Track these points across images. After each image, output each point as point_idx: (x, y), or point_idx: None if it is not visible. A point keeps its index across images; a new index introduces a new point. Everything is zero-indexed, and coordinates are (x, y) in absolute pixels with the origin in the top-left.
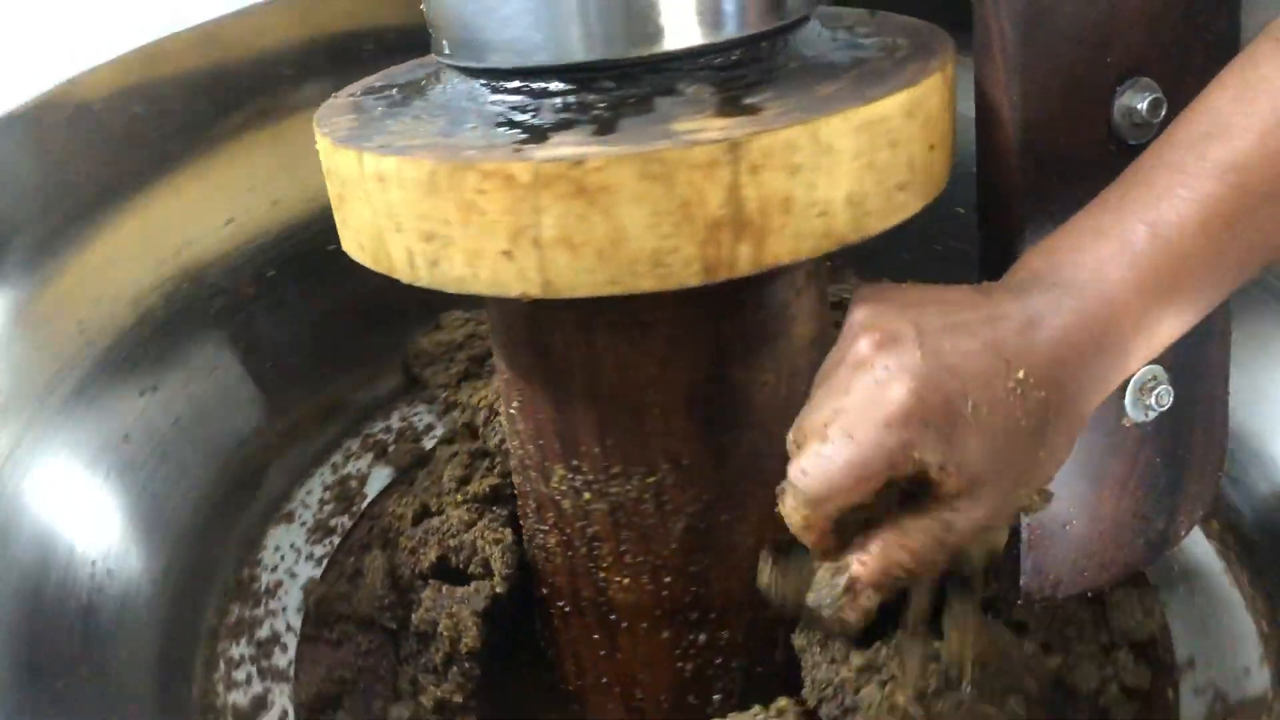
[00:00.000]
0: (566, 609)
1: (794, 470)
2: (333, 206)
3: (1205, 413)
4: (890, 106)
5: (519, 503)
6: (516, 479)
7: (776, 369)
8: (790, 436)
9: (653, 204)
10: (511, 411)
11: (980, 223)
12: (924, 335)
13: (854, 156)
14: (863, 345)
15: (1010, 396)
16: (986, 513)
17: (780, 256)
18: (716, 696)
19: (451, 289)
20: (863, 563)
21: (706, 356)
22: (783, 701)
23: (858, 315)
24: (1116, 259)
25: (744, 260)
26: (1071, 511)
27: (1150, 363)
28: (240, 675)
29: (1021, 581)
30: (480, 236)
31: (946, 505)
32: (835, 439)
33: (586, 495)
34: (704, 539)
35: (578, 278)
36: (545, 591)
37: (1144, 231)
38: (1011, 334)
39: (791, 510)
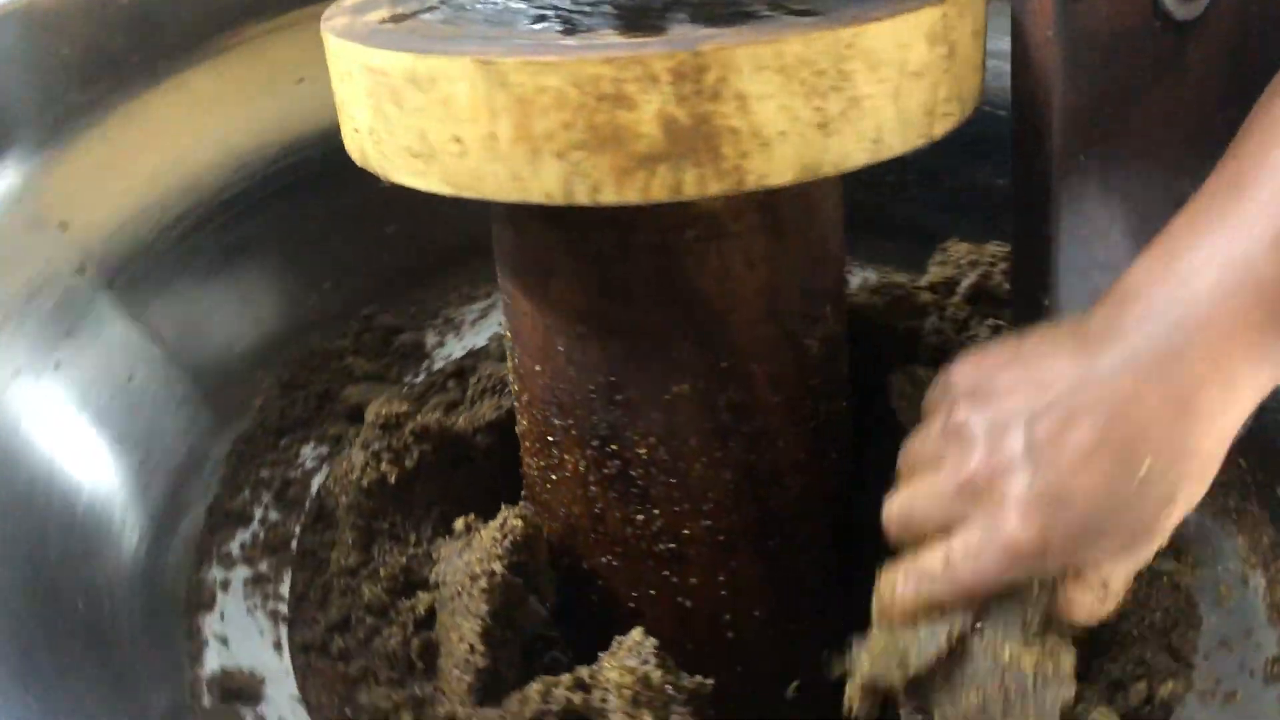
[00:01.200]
0: None
1: (927, 562)
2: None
3: None
4: None
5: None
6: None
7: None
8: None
9: None
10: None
11: (1013, 109)
12: (1034, 450)
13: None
14: (976, 456)
15: (1132, 497)
16: (1128, 566)
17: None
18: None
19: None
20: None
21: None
22: None
23: (959, 383)
24: (1229, 283)
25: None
26: None
27: None
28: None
29: None
30: None
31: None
32: (958, 557)
33: None
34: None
35: (707, 188)
36: None
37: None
38: (1128, 410)
39: (910, 594)
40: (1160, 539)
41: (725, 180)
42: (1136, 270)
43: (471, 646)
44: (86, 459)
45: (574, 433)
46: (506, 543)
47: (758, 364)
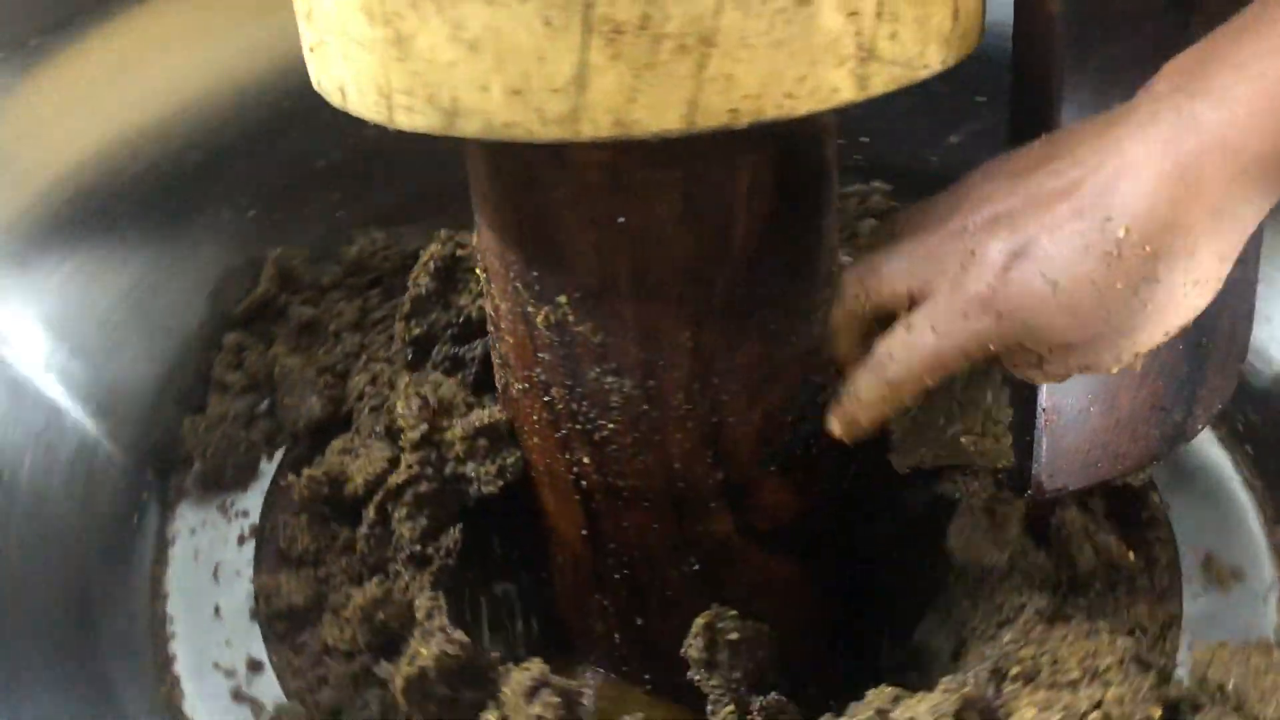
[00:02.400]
0: None
1: (880, 348)
2: None
3: (1233, 300)
4: None
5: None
6: None
7: None
8: (861, 278)
9: None
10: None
11: (1013, 83)
12: (1017, 218)
13: None
14: (963, 217)
15: (1103, 264)
16: (1085, 363)
17: None
18: None
19: None
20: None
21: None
22: None
23: (973, 178)
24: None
25: None
26: (1089, 401)
27: None
28: None
29: (1034, 472)
30: None
31: (1042, 355)
32: (919, 328)
33: None
34: None
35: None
36: None
37: None
38: (1121, 180)
39: (868, 389)
40: (1125, 342)
41: None
42: (1164, 75)
43: None
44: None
45: None
46: None
47: None
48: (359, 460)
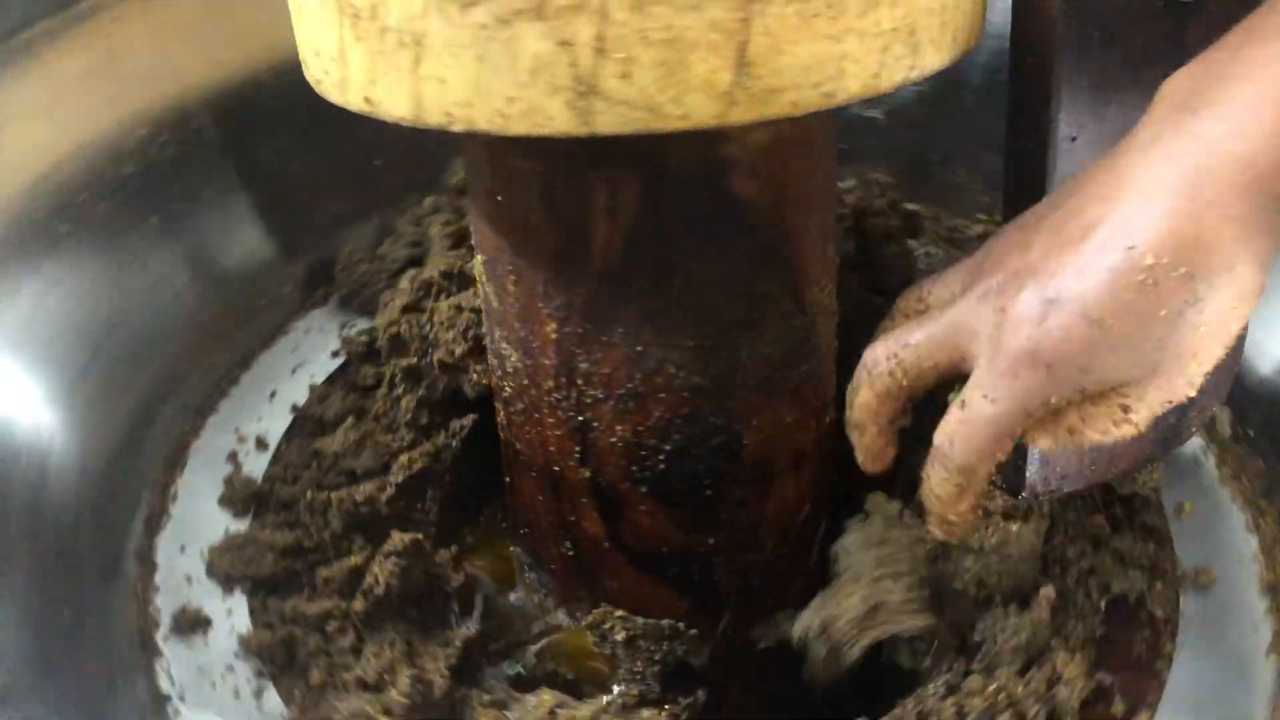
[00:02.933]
0: None
1: (939, 438)
2: None
3: None
4: None
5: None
6: None
7: None
8: (893, 354)
9: None
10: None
11: (1011, 86)
12: (1040, 268)
13: None
14: (986, 279)
15: (1139, 295)
16: (1155, 401)
17: None
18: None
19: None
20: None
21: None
22: None
23: (988, 244)
24: None
25: None
26: None
27: None
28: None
29: (1027, 475)
30: None
31: (1113, 394)
32: (972, 401)
33: None
34: None
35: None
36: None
37: None
38: (1135, 207)
39: (941, 483)
40: (1192, 365)
41: None
42: (1162, 97)
43: None
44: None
45: None
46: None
47: None
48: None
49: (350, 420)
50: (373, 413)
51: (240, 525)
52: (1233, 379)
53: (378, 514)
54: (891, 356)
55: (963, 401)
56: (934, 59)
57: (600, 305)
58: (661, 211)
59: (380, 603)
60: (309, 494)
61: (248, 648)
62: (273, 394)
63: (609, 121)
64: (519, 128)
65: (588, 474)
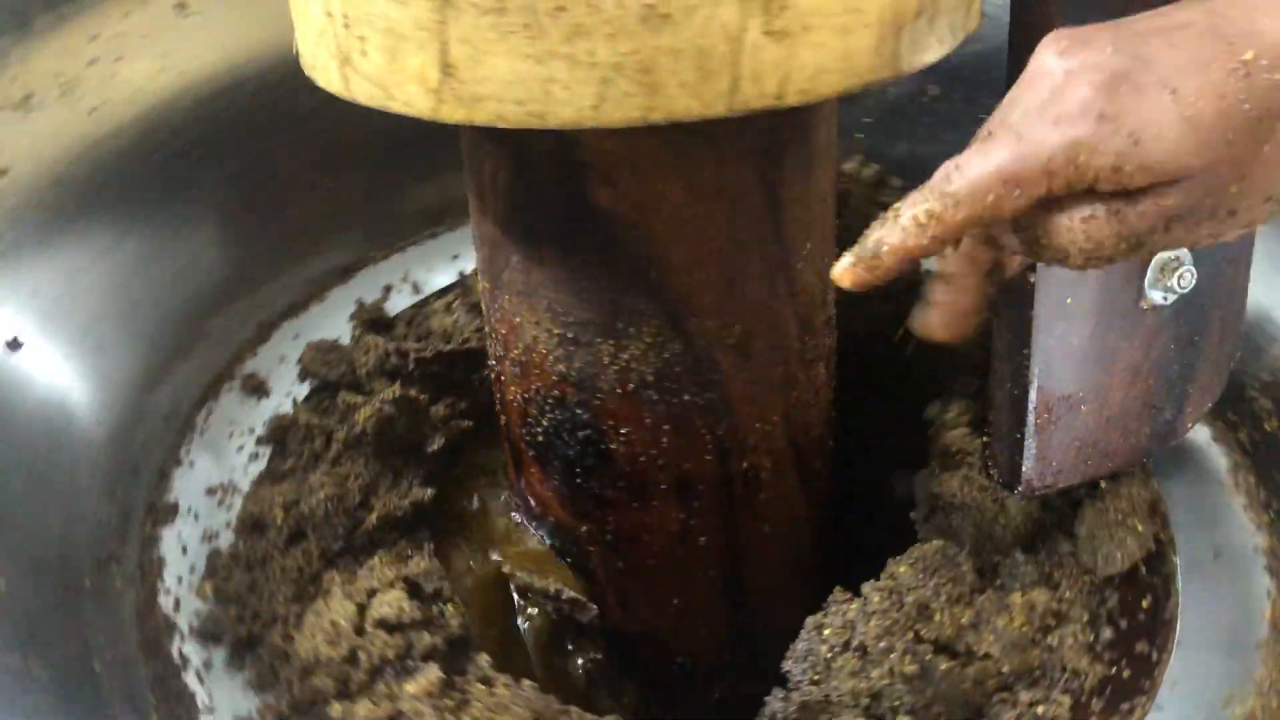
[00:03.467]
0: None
1: (945, 166)
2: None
3: (1225, 299)
4: None
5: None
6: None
7: None
8: (933, 191)
9: None
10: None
11: (1008, 78)
12: (1121, 32)
13: None
14: (1048, 56)
15: (1230, 78)
16: (1183, 210)
17: None
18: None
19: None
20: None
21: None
22: None
23: (1050, 35)
24: None
25: None
26: (1081, 397)
27: None
28: None
29: (1024, 469)
30: None
31: (1136, 201)
32: (999, 136)
33: None
34: None
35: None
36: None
37: None
38: (1242, 13)
39: (912, 205)
40: (1234, 186)
41: None
42: None
43: None
44: None
45: None
46: None
47: None
48: None
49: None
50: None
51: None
52: (1227, 379)
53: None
54: (932, 199)
55: (986, 133)
56: (687, 104)
57: (493, 270)
58: (528, 199)
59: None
60: None
61: None
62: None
63: (361, 92)
64: (321, 81)
65: (503, 420)
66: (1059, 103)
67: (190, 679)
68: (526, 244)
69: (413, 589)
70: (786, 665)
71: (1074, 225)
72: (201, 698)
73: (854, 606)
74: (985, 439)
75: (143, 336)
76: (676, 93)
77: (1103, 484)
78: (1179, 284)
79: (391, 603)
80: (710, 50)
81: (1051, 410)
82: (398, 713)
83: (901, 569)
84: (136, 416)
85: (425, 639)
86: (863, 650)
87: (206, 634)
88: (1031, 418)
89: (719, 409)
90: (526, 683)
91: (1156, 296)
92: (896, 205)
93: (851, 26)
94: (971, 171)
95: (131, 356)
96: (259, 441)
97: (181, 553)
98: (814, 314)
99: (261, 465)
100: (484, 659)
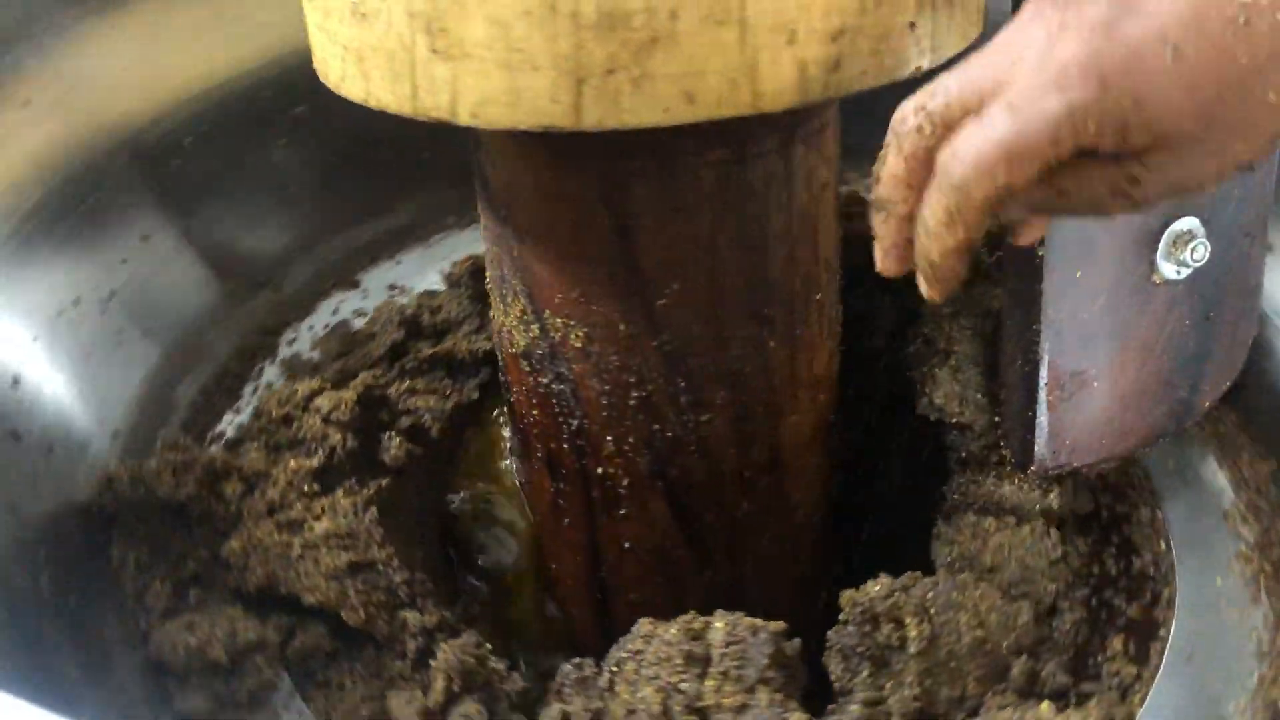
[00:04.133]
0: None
1: (943, 154)
2: (607, 69)
3: (1240, 274)
4: None
5: (622, 432)
6: (637, 393)
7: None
8: (925, 107)
9: None
10: (661, 304)
11: None
12: None
13: None
14: (1040, 5)
15: (1228, 29)
16: (1185, 173)
17: None
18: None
19: (848, 91)
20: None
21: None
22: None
23: None
24: None
25: None
26: (1094, 374)
27: (1187, 214)
28: None
29: (1036, 448)
30: (890, 14)
31: (1134, 161)
32: (994, 111)
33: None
34: None
35: (952, 36)
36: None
37: None
38: None
39: (933, 206)
40: (1239, 144)
41: None
42: None
43: None
44: None
45: None
46: None
47: None
48: None
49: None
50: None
51: None
52: (1245, 353)
53: None
54: (919, 110)
55: (980, 112)
56: (380, 97)
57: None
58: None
59: None
60: None
61: None
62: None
63: None
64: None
65: None
66: (1054, 64)
67: None
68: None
69: None
70: None
71: (1071, 186)
72: None
73: None
74: (998, 418)
75: None
76: (377, 85)
77: None
78: (1192, 257)
79: None
80: (394, 53)
81: (1063, 387)
82: None
83: None
84: None
85: None
86: None
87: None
88: (1043, 395)
89: (570, 403)
90: None
91: (1169, 271)
92: (923, 215)
93: (516, 65)
94: (970, 154)
95: None
96: None
97: None
98: (683, 351)
99: None
100: None
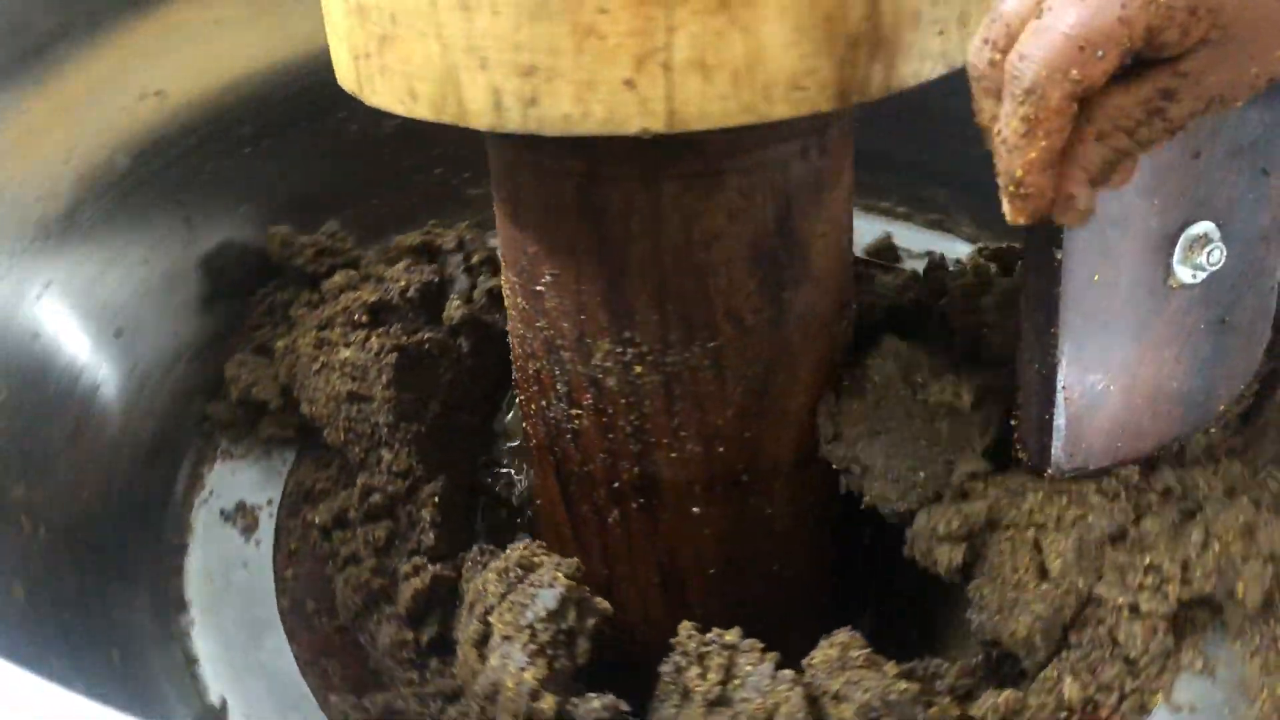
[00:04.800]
0: (601, 493)
1: (1011, 56)
2: (364, 52)
3: (1256, 277)
4: None
5: (526, 394)
6: (532, 365)
7: (832, 220)
8: (987, 38)
9: (796, 18)
10: (538, 289)
11: None
12: None
13: None
14: None
15: None
16: (1223, 79)
17: (906, 78)
18: (759, 568)
19: (550, 131)
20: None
21: (773, 206)
22: (843, 635)
23: None
24: None
25: (876, 82)
26: (1110, 377)
27: (1204, 219)
28: None
29: (1053, 450)
30: (596, 65)
31: (1173, 70)
32: (1057, 4)
33: (638, 368)
34: (760, 403)
35: (708, 106)
36: (573, 483)
37: None
38: None
39: (1009, 119)
40: None
41: None
42: None
43: None
44: None
45: None
46: None
47: None
48: None
49: None
50: None
51: None
52: (1260, 357)
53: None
54: (984, 44)
55: (1043, 8)
56: None
57: None
58: None
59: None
60: None
61: None
62: None
63: None
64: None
65: None
66: None
67: None
68: None
69: None
70: None
71: (1104, 117)
72: None
73: None
74: (1014, 420)
75: None
76: None
77: None
78: (1208, 261)
79: None
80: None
81: (1080, 390)
82: None
83: None
84: None
85: None
86: None
87: None
88: (1060, 397)
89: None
90: None
91: (1185, 274)
92: (996, 128)
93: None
94: (1039, 52)
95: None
96: None
97: None
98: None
99: None
100: None
